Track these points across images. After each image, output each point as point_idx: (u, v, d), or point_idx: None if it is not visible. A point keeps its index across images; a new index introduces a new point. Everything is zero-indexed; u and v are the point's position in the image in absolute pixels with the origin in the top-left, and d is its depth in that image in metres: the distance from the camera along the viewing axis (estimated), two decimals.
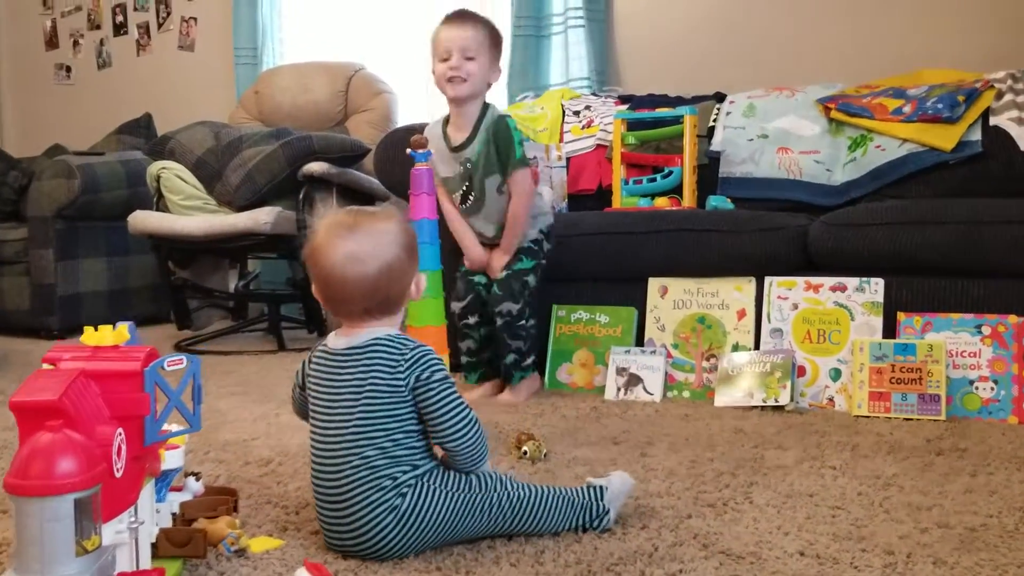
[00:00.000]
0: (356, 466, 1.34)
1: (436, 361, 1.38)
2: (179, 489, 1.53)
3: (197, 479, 1.55)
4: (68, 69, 5.13)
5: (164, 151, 3.56)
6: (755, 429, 2.13)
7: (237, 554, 1.41)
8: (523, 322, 2.39)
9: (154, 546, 1.36)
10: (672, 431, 2.13)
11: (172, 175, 3.46)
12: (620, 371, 2.52)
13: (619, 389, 2.50)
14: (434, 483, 1.37)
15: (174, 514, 1.48)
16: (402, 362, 1.36)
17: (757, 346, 2.46)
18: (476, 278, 2.47)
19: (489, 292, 2.44)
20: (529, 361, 2.44)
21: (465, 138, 2.37)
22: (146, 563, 1.27)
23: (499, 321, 2.38)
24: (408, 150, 2.05)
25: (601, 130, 3.24)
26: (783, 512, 1.56)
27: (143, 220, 3.40)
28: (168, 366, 1.23)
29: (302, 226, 3.34)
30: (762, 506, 1.59)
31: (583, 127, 3.30)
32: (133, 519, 1.20)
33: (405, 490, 1.34)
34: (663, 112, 3.05)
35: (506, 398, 2.42)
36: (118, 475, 1.14)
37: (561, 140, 3.30)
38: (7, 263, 3.89)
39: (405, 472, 1.35)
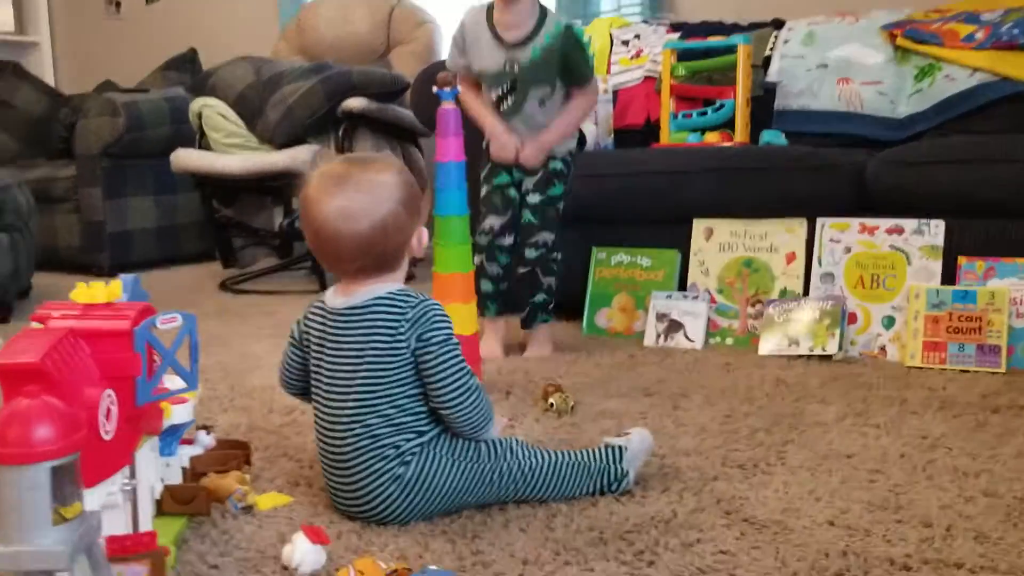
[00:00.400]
0: (358, 434, 1.29)
1: (439, 320, 1.30)
2: (190, 442, 1.51)
3: (208, 433, 1.53)
4: (118, 4, 5.10)
5: (205, 88, 3.52)
6: (798, 380, 2.03)
7: (244, 511, 1.38)
8: (555, 254, 2.28)
9: (159, 503, 1.35)
10: (709, 382, 2.04)
11: (213, 112, 3.42)
12: (660, 317, 2.43)
13: (659, 335, 2.41)
14: (440, 450, 1.31)
15: (184, 468, 1.46)
16: (403, 322, 1.29)
17: (806, 292, 2.34)
18: (511, 192, 2.28)
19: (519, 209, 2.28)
20: (552, 303, 2.32)
21: (521, 37, 2.19)
22: (147, 522, 1.25)
23: (533, 253, 2.25)
24: (434, 88, 1.95)
25: (650, 61, 3.08)
26: (817, 475, 1.47)
27: (184, 158, 3.38)
28: (161, 324, 1.18)
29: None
30: (795, 468, 1.50)
31: (631, 57, 3.15)
32: (127, 480, 1.17)
33: (409, 458, 1.29)
34: (715, 41, 2.88)
35: (533, 352, 2.32)
36: (107, 437, 1.10)
37: (608, 72, 3.15)
38: (58, 201, 3.92)
39: (409, 440, 1.29)
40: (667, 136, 2.88)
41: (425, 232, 1.38)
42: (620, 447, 1.41)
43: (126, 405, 1.15)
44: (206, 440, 1.51)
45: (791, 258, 2.37)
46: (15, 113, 4.22)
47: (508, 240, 2.27)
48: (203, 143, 3.49)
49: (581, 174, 2.55)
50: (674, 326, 2.41)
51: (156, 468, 1.34)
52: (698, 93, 2.92)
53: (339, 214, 1.27)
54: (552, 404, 1.83)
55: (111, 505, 1.15)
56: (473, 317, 1.99)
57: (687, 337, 2.39)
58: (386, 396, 1.29)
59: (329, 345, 1.33)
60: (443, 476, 1.30)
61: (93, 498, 1.09)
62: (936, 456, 1.54)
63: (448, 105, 1.94)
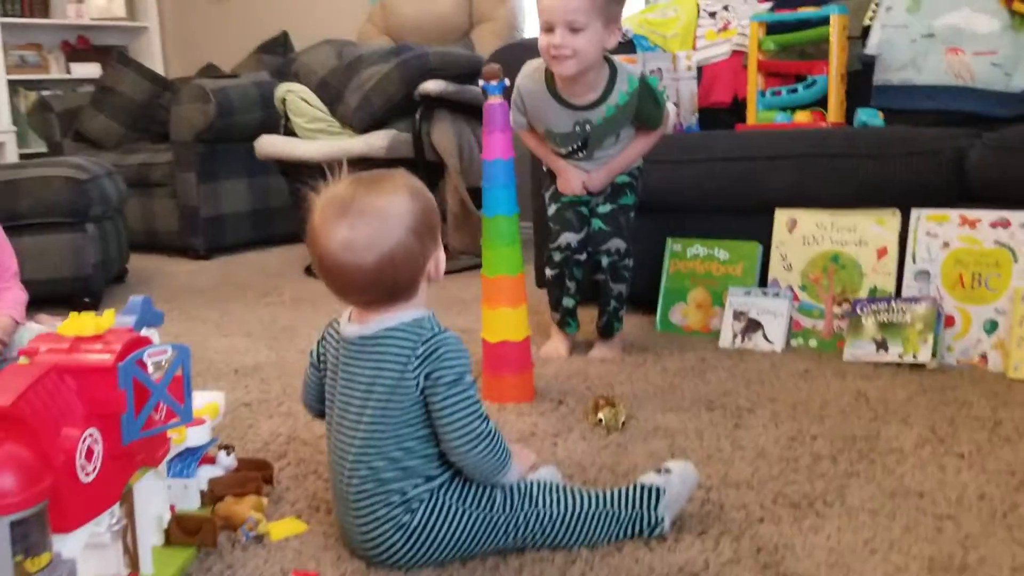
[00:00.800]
0: (363, 476, 1.20)
1: (452, 356, 1.18)
2: (212, 461, 1.48)
3: (228, 453, 1.49)
4: None
5: (289, 73, 3.51)
6: (881, 394, 1.85)
7: (255, 540, 1.34)
8: (627, 261, 2.15)
9: (167, 532, 1.32)
10: (781, 394, 1.88)
11: (296, 97, 3.40)
12: (738, 315, 2.26)
13: (735, 335, 2.25)
14: (450, 498, 1.21)
15: (203, 491, 1.43)
16: (412, 358, 1.17)
17: (898, 291, 2.13)
18: (582, 208, 2.18)
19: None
20: (624, 310, 2.21)
21: (590, 101, 2.03)
22: (147, 557, 1.22)
23: (605, 260, 2.13)
24: (480, 81, 1.85)
25: (739, 34, 2.87)
26: (878, 519, 1.31)
27: (267, 144, 3.39)
28: (149, 357, 1.13)
29: (419, 148, 3.21)
30: (855, 508, 1.35)
31: (718, 30, 2.94)
32: (114, 520, 1.13)
33: (416, 505, 1.19)
34: (807, 12, 2.65)
35: (602, 353, 2.20)
36: (87, 479, 1.07)
37: (694, 47, 2.96)
38: (157, 185, 4.01)
39: (417, 485, 1.19)
40: (754, 116, 2.68)
41: (443, 256, 1.26)
42: (657, 489, 1.29)
43: (113, 442, 1.11)
44: (227, 461, 1.47)
45: (882, 253, 2.16)
46: (119, 99, 4.34)
47: (583, 256, 2.16)
48: (287, 128, 3.49)
49: (655, 159, 2.40)
50: (752, 326, 2.25)
51: (163, 498, 1.31)
52: (788, 69, 2.70)
53: (343, 246, 1.15)
54: (601, 419, 1.72)
55: (99, 545, 1.12)
56: (522, 322, 1.89)
57: (766, 338, 2.22)
58: (393, 437, 1.19)
59: (341, 376, 1.24)
60: (452, 526, 1.20)
61: (73, 543, 1.06)
62: (1021, 500, 1.35)
63: (495, 99, 1.83)
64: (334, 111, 3.40)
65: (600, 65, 2.01)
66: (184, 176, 3.89)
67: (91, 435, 1.08)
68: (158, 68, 5.36)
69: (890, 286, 2.14)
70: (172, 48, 5.48)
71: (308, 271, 3.49)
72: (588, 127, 2.06)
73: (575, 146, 2.11)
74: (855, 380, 1.94)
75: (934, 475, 1.45)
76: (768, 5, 2.89)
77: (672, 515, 1.29)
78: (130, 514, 1.20)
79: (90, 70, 5.17)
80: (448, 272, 1.85)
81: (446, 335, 1.20)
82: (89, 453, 1.08)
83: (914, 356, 1.99)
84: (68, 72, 5.20)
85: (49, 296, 2.94)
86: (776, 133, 2.39)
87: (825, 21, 2.57)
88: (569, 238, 2.14)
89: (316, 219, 1.19)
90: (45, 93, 4.94)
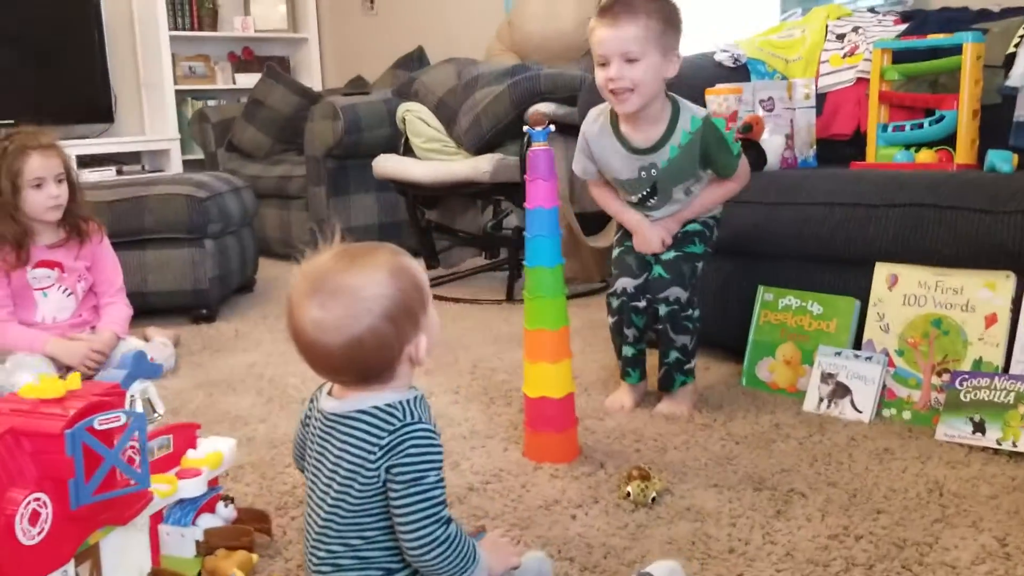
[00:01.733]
0: (321, 558, 1.15)
1: (417, 453, 1.09)
2: (213, 511, 1.49)
3: (227, 505, 1.49)
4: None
5: (410, 92, 3.54)
6: (961, 487, 1.62)
7: None
8: (690, 312, 2.01)
9: None
10: (845, 477, 1.69)
11: (414, 117, 3.43)
12: (826, 377, 2.07)
13: (821, 400, 2.06)
14: None
15: (198, 541, 1.44)
16: (377, 448, 1.10)
17: (1007, 365, 1.87)
18: (650, 256, 2.07)
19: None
20: (692, 364, 2.06)
21: (652, 142, 1.94)
22: None
23: (663, 310, 2.01)
24: (524, 128, 1.77)
25: (865, 59, 2.64)
26: None
27: (383, 165, 3.43)
28: (100, 425, 1.14)
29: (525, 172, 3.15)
30: None
31: (844, 55, 2.71)
32: None
33: None
34: (937, 39, 2.39)
35: (669, 409, 2.06)
36: (29, 542, 1.08)
37: (817, 72, 2.74)
38: (293, 198, 4.17)
39: None
40: (873, 153, 2.45)
41: (424, 341, 1.15)
42: None
43: (66, 504, 1.13)
44: (226, 512, 1.47)
45: (991, 320, 1.91)
46: (268, 112, 4.54)
47: (643, 303, 2.04)
48: (407, 147, 3.52)
49: (748, 200, 2.24)
50: (841, 390, 2.04)
51: (143, 550, 1.33)
52: (915, 101, 2.45)
53: (313, 325, 1.09)
54: (629, 493, 1.61)
55: None
56: (564, 378, 1.80)
57: (854, 406, 2.01)
58: (353, 524, 1.13)
59: (314, 448, 1.19)
60: None
61: None
62: None
63: (539, 146, 1.74)
64: (450, 132, 3.40)
65: (663, 101, 1.92)
66: (315, 190, 4.01)
67: (37, 499, 1.10)
68: (316, 79, 5.58)
69: (997, 359, 1.88)
70: (329, 59, 5.68)
71: None
72: (654, 171, 1.95)
73: (644, 193, 2.00)
74: (937, 466, 1.72)
75: None
76: (900, 29, 2.64)
77: None
78: (96, 569, 1.22)
79: (254, 81, 5.43)
80: None
81: (414, 428, 1.11)
82: (34, 516, 1.09)
83: (1013, 443, 1.75)
84: (234, 83, 5.50)
85: (168, 307, 3.11)
86: (885, 176, 2.16)
87: (958, 50, 2.31)
88: (626, 283, 2.03)
89: (292, 293, 1.13)
90: (211, 103, 5.25)
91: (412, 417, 1.11)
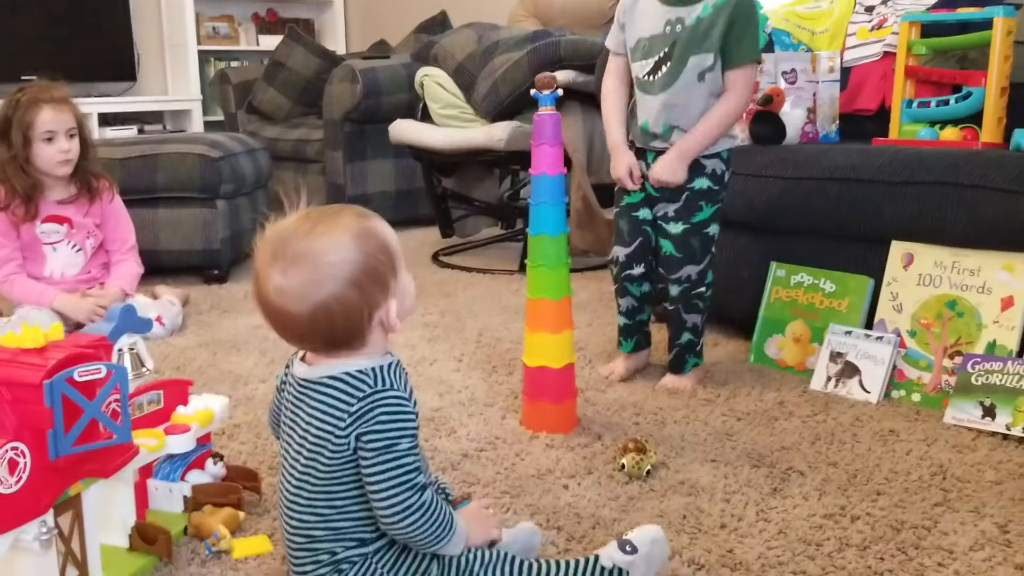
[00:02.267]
0: (294, 527, 1.12)
1: (387, 420, 1.06)
2: (202, 467, 1.49)
3: (216, 462, 1.48)
4: None
5: (428, 57, 3.50)
6: (965, 471, 1.58)
7: (216, 555, 1.33)
8: (702, 289, 1.97)
9: (131, 538, 1.33)
10: (847, 457, 1.65)
11: (432, 82, 3.39)
12: (835, 356, 2.02)
13: (829, 379, 2.02)
14: (382, 566, 1.11)
15: (186, 497, 1.44)
16: (346, 416, 1.06)
17: (1021, 350, 1.82)
18: (640, 214, 2.00)
19: (656, 234, 2.00)
20: (701, 343, 2.03)
21: None
22: (95, 562, 1.23)
23: (675, 290, 1.97)
24: (532, 91, 1.73)
25: (893, 33, 2.56)
26: None
27: (399, 130, 3.40)
28: (80, 376, 1.12)
29: None
30: None
31: (872, 28, 2.64)
32: (44, 530, 1.14)
33: (345, 567, 1.10)
34: (967, 12, 2.31)
35: (672, 383, 2.03)
36: (8, 490, 1.08)
37: (844, 45, 2.67)
38: (310, 161, 4.15)
39: (348, 547, 1.10)
40: (897, 129, 2.39)
41: (394, 305, 1.10)
42: (620, 571, 1.15)
43: (44, 455, 1.12)
44: (215, 469, 1.47)
45: (1007, 303, 1.86)
46: (288, 74, 4.51)
47: (639, 269, 2.01)
48: (425, 113, 3.49)
49: (765, 174, 2.20)
50: (849, 370, 2.00)
51: (128, 504, 1.32)
52: (942, 77, 2.38)
53: (276, 292, 1.06)
54: (623, 465, 1.58)
55: (29, 552, 1.13)
56: (564, 348, 1.77)
57: (862, 386, 1.97)
58: (323, 493, 1.10)
59: (287, 415, 1.16)
60: None
61: None
62: None
63: (546, 110, 1.70)
64: (468, 97, 3.36)
65: None
66: (333, 154, 3.99)
67: (15, 448, 1.09)
68: (340, 42, 5.54)
69: (1012, 343, 1.83)
70: (353, 22, 5.64)
71: (435, 257, 3.49)
72: (679, 27, 1.87)
73: (661, 55, 1.90)
74: (943, 450, 1.68)
75: None
76: (930, 2, 2.56)
77: None
78: (78, 520, 1.22)
79: (278, 43, 5.41)
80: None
81: (384, 395, 1.07)
82: (12, 465, 1.09)
83: (1023, 429, 1.70)
84: (257, 44, 5.48)
85: (180, 266, 3.11)
86: (906, 153, 2.10)
87: (988, 24, 2.23)
88: (618, 251, 2.01)
89: (256, 258, 1.09)
90: (234, 64, 5.23)
91: (383, 384, 1.08)
